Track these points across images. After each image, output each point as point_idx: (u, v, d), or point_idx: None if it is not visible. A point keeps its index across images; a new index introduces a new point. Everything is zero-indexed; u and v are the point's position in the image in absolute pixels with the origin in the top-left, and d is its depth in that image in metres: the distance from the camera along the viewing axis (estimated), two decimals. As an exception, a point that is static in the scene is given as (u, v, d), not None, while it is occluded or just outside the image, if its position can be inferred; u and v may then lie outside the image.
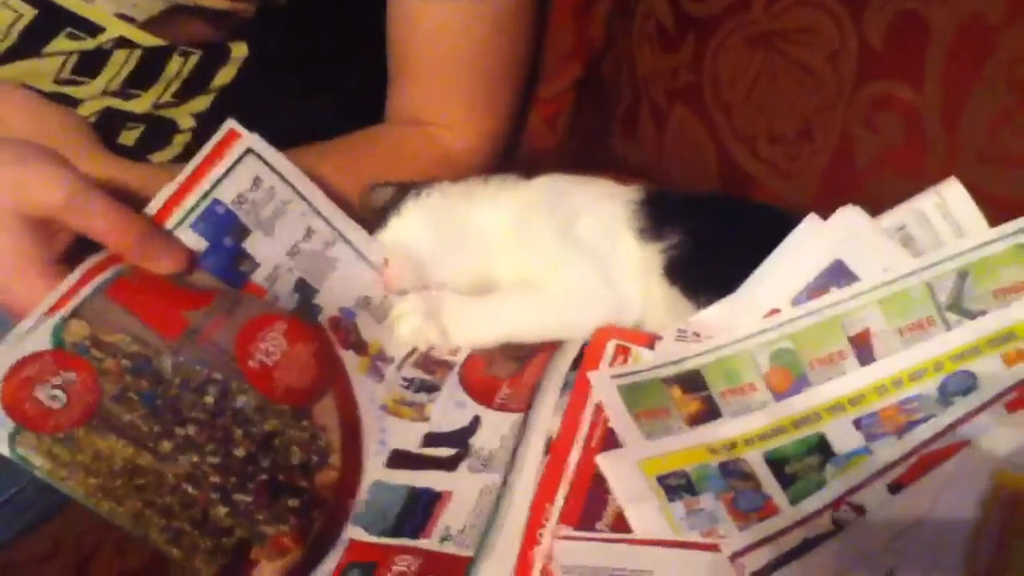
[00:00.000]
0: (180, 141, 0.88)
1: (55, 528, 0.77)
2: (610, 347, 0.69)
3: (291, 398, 0.65)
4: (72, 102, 0.85)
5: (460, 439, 0.70)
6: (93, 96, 0.85)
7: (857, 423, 0.62)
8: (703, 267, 0.72)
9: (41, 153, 0.64)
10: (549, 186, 0.80)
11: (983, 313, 0.62)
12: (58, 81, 0.85)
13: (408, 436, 0.71)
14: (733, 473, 0.63)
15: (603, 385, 0.67)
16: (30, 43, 0.84)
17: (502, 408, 0.71)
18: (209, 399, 0.62)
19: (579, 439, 0.66)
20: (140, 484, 0.59)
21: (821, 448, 0.62)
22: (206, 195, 0.69)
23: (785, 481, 0.62)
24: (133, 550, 0.72)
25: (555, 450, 0.65)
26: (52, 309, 0.61)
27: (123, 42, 0.84)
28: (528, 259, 0.76)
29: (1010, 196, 0.68)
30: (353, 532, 0.67)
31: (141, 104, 0.87)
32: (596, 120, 0.98)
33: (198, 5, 0.85)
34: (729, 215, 0.78)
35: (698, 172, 0.87)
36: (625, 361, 0.69)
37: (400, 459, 0.70)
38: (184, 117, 0.89)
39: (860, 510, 0.59)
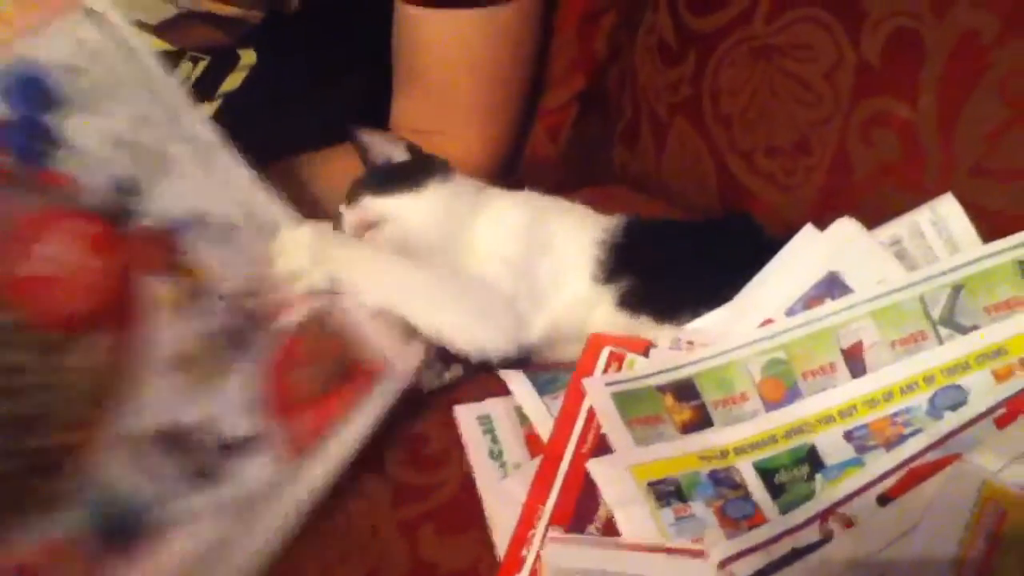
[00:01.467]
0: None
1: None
2: (604, 353, 0.69)
3: (58, 324, 0.50)
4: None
5: (219, 454, 0.56)
6: (102, 99, 0.84)
7: (848, 435, 0.62)
8: (664, 295, 0.73)
9: None
10: (532, 205, 0.79)
11: (975, 328, 0.62)
12: None
13: (174, 410, 0.55)
14: (723, 481, 0.62)
15: (597, 392, 0.66)
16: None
17: (288, 441, 0.58)
18: None
19: (571, 443, 0.65)
20: None
21: (811, 459, 0.62)
22: (23, 55, 0.55)
23: (775, 490, 0.62)
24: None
25: (548, 452, 0.64)
26: None
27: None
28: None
29: (1005, 210, 0.68)
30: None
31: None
32: (597, 132, 0.98)
33: (208, 12, 0.84)
34: (698, 240, 0.78)
35: (697, 184, 0.87)
36: (619, 368, 0.68)
37: (161, 438, 0.54)
38: (191, 121, 0.88)
39: (849, 521, 0.58)
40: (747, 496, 0.62)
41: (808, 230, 0.68)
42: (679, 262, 0.74)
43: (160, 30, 0.85)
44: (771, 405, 0.64)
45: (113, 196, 0.56)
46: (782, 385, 0.64)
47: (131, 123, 0.58)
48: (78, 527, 0.49)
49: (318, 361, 0.62)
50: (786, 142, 0.80)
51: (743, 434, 0.63)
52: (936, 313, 0.62)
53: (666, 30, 0.89)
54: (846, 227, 0.67)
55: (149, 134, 0.59)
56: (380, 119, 0.94)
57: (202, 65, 0.87)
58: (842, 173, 0.77)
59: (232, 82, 0.89)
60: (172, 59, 0.86)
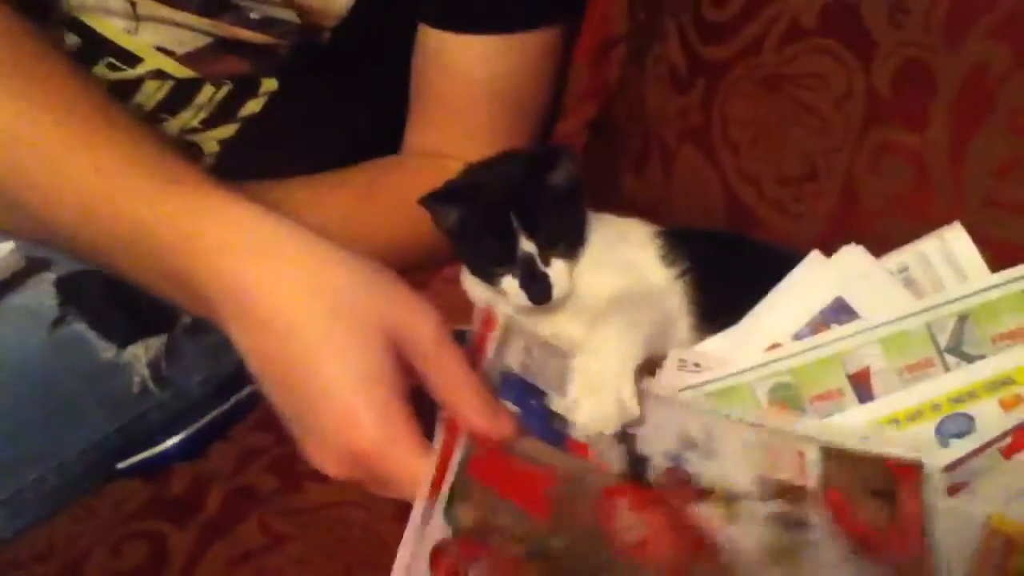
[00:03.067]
0: (203, 165, 0.88)
1: (50, 529, 0.75)
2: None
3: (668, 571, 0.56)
4: None
5: None
6: (123, 119, 0.85)
7: (854, 461, 0.60)
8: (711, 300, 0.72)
9: (401, 280, 0.56)
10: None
11: (982, 357, 0.61)
12: None
13: None
14: None
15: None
16: (70, 70, 0.84)
17: (898, 571, 0.58)
18: None
19: None
20: None
21: (817, 485, 0.60)
22: (496, 366, 0.61)
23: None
24: (128, 552, 0.71)
25: None
26: (432, 492, 0.52)
27: (159, 73, 0.85)
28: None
29: (1014, 241, 0.67)
30: None
31: (169, 128, 0.87)
32: (606, 158, 0.98)
33: (239, 40, 0.85)
34: (736, 251, 0.77)
35: (704, 211, 0.86)
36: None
37: None
38: (210, 143, 0.89)
39: None
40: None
41: (815, 256, 0.67)
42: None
43: (186, 59, 0.85)
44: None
45: (620, 448, 0.61)
46: (789, 410, 0.63)
47: None
48: None
49: (862, 496, 0.61)
50: (795, 170, 0.79)
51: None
52: (943, 341, 0.61)
53: (676, 58, 0.88)
54: (853, 254, 0.67)
55: None
56: (392, 143, 0.94)
57: (224, 90, 0.88)
58: (850, 201, 0.76)
59: (253, 107, 0.89)
60: (194, 84, 0.86)
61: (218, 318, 0.54)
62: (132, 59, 0.84)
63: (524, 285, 0.71)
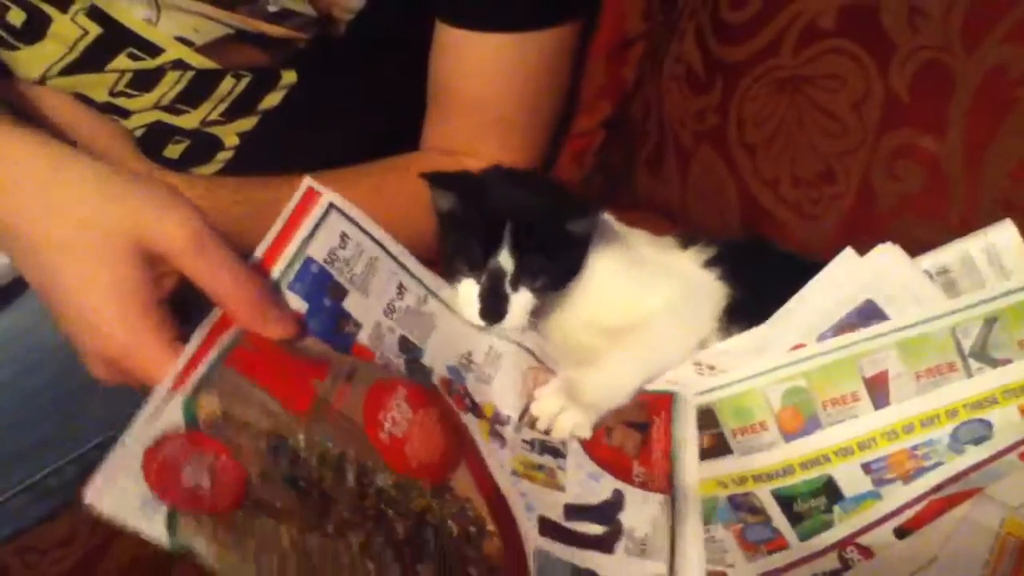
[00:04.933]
0: (222, 158, 0.88)
1: (72, 515, 0.75)
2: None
3: (427, 473, 0.58)
4: (123, 113, 0.84)
5: (607, 515, 0.62)
6: (144, 109, 0.85)
7: (866, 467, 0.60)
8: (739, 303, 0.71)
9: (170, 190, 0.57)
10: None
11: (1008, 362, 0.59)
12: (112, 93, 0.85)
13: (548, 504, 0.63)
14: (742, 506, 0.61)
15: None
16: (93, 59, 0.84)
17: (644, 487, 0.63)
18: (351, 479, 0.54)
19: None
20: (316, 565, 0.51)
21: (829, 490, 0.60)
22: (298, 253, 0.60)
23: (794, 518, 0.60)
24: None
25: None
26: (175, 384, 0.52)
27: (179, 63, 0.84)
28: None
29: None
30: None
31: (189, 120, 0.87)
32: (621, 158, 0.97)
33: (258, 32, 0.84)
34: (763, 257, 0.76)
35: (720, 211, 0.85)
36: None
37: (551, 528, 0.61)
38: (229, 135, 0.88)
39: (867, 552, 0.57)
40: (767, 521, 0.60)
41: (847, 254, 0.65)
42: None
43: (205, 49, 0.84)
44: (789, 436, 0.62)
45: (402, 358, 0.64)
46: (801, 415, 0.62)
47: (394, 293, 0.65)
48: None
49: (614, 430, 0.67)
50: (811, 172, 0.78)
51: (761, 463, 0.61)
52: (967, 345, 0.60)
53: (694, 59, 0.87)
54: (888, 254, 0.64)
55: (408, 299, 0.66)
56: (410, 139, 0.93)
57: (244, 82, 0.87)
58: (866, 203, 0.75)
59: (272, 99, 0.88)
60: (214, 76, 0.85)
61: (6, 252, 0.57)
62: (153, 49, 0.84)
63: (481, 297, 0.67)
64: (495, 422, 0.66)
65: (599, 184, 1.03)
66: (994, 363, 0.59)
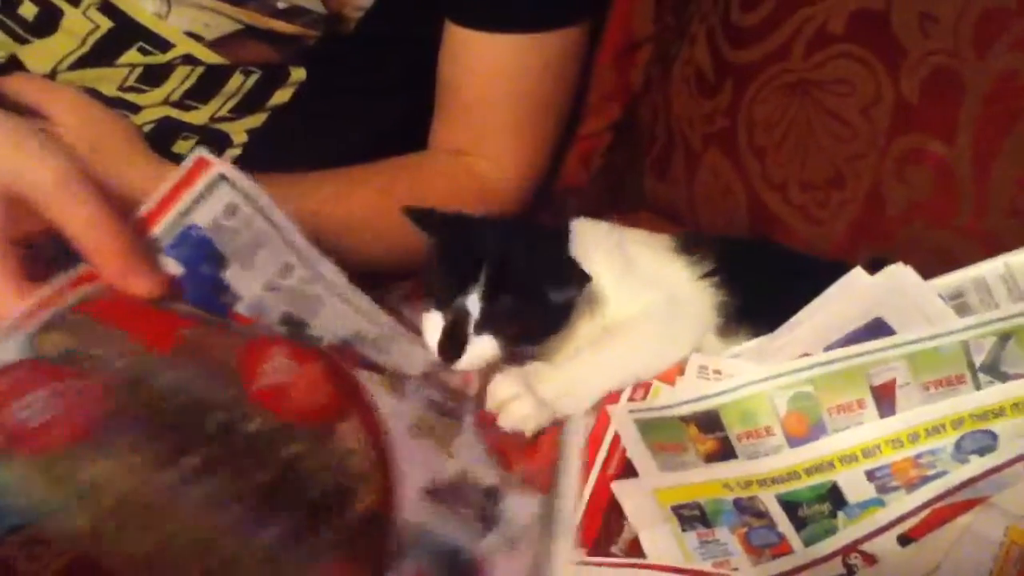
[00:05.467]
0: (230, 155, 0.88)
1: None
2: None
3: (309, 417, 0.54)
4: (133, 108, 0.84)
5: (488, 499, 0.60)
6: (153, 104, 0.85)
7: (870, 474, 0.59)
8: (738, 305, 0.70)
9: (39, 133, 0.56)
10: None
11: (1020, 377, 0.58)
12: (122, 88, 0.85)
13: (438, 467, 0.60)
14: (747, 510, 0.61)
15: (620, 419, 0.65)
16: (103, 54, 0.84)
17: (525, 482, 0.62)
18: (211, 425, 0.50)
19: (597, 464, 0.64)
20: (146, 520, 0.46)
21: (833, 496, 0.59)
22: (181, 218, 0.59)
23: (799, 523, 0.60)
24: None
25: None
26: (19, 323, 0.49)
27: (189, 58, 0.84)
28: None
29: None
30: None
31: (199, 116, 0.86)
32: (628, 160, 0.97)
33: (267, 28, 0.84)
34: (762, 256, 0.76)
35: (727, 214, 0.85)
36: (645, 395, 0.67)
37: (433, 493, 0.59)
38: (239, 132, 0.88)
39: (871, 559, 0.56)
40: (772, 525, 0.60)
41: (857, 273, 0.64)
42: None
43: (214, 45, 0.84)
44: (795, 440, 0.61)
45: (286, 329, 0.62)
46: (806, 420, 0.61)
47: (278, 271, 0.63)
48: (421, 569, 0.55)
49: None
50: (820, 176, 0.78)
51: (766, 468, 0.61)
52: (979, 360, 0.59)
53: (703, 62, 0.87)
54: (900, 274, 0.62)
55: (294, 279, 0.63)
56: (419, 139, 0.93)
57: (253, 78, 0.87)
58: (875, 208, 0.75)
59: (281, 96, 0.88)
60: (224, 72, 0.86)
61: None
62: (163, 44, 0.84)
63: (443, 333, 0.66)
64: (396, 377, 0.63)
65: (606, 187, 1.03)
66: (1005, 378, 0.58)
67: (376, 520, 0.54)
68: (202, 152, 0.60)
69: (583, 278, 0.67)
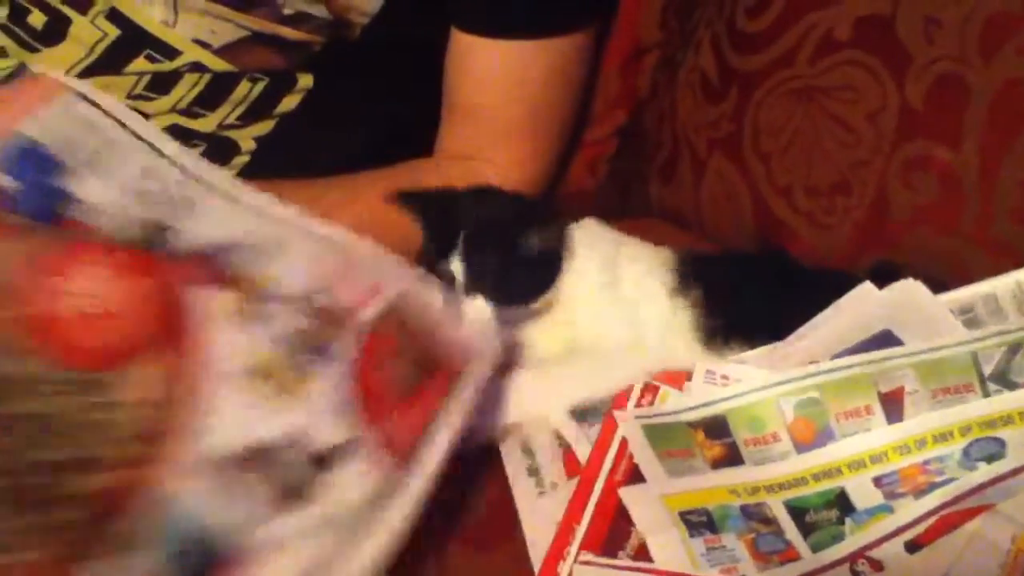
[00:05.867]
0: (238, 162, 0.88)
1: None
2: (637, 386, 0.67)
3: (96, 361, 0.45)
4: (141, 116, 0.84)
5: (312, 467, 0.50)
6: (162, 112, 0.86)
7: (877, 480, 0.59)
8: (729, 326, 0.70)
9: None
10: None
11: (1028, 386, 0.58)
12: (130, 96, 0.85)
13: (252, 425, 0.49)
14: (754, 516, 0.61)
15: (628, 424, 0.64)
16: (112, 61, 0.84)
17: (380, 445, 0.52)
18: None
19: (604, 470, 0.64)
20: None
21: (841, 502, 0.59)
22: (12, 130, 0.54)
23: (806, 529, 0.59)
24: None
25: (584, 476, 0.64)
26: None
27: (197, 66, 0.84)
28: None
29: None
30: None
31: (207, 124, 0.87)
32: (634, 166, 0.97)
33: (274, 34, 0.84)
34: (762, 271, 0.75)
35: (733, 219, 0.85)
36: (652, 401, 0.67)
37: (226, 459, 0.48)
38: (246, 140, 0.88)
39: (878, 565, 0.56)
40: (779, 532, 0.60)
41: (866, 288, 0.64)
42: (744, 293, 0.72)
43: (222, 52, 0.84)
44: (802, 446, 0.61)
45: (139, 234, 0.53)
46: (814, 426, 0.61)
47: (138, 175, 0.55)
48: (156, 567, 0.45)
49: (401, 358, 0.56)
50: (826, 181, 0.78)
51: (773, 474, 0.61)
52: (988, 369, 0.59)
53: (709, 68, 0.87)
54: (910, 290, 0.62)
55: (159, 182, 0.56)
56: (426, 145, 0.93)
57: (260, 85, 0.87)
58: (880, 214, 0.75)
59: (288, 103, 0.88)
60: (231, 79, 0.86)
61: None
62: (171, 52, 0.84)
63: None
64: (261, 299, 0.52)
65: (612, 192, 1.02)
66: (1014, 386, 0.58)
67: (127, 499, 0.45)
68: (40, 69, 0.57)
69: (562, 221, 0.71)
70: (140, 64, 0.84)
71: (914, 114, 0.72)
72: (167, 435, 0.46)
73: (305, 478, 0.49)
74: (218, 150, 0.87)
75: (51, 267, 0.47)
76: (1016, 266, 0.64)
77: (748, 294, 0.71)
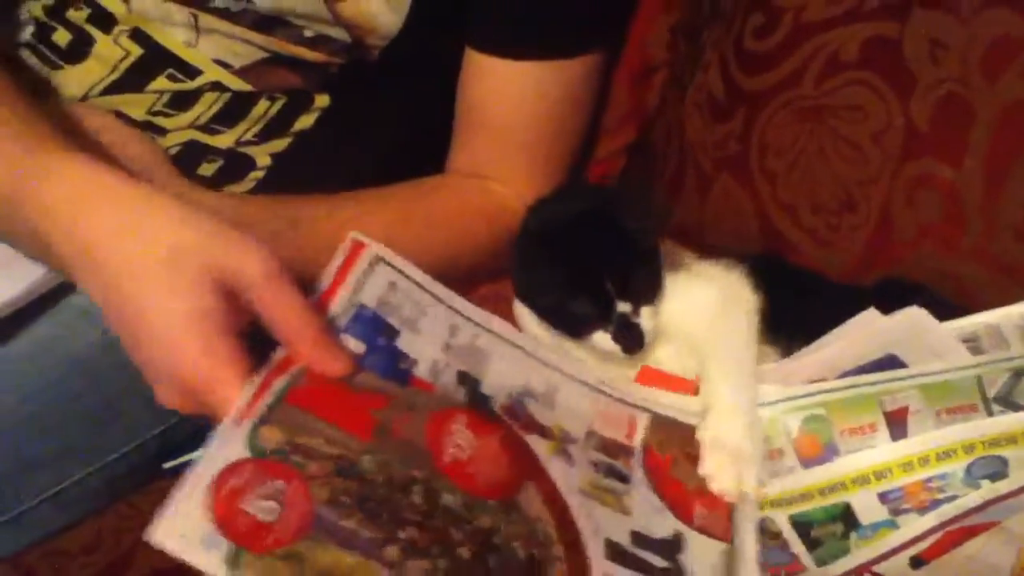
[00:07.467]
0: (254, 177, 0.88)
1: (96, 525, 0.76)
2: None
3: (494, 491, 0.56)
4: (160, 131, 0.85)
5: (669, 552, 0.60)
6: (180, 128, 0.86)
7: (882, 496, 0.59)
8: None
9: (231, 228, 0.58)
10: None
11: (1032, 408, 0.58)
12: (150, 112, 0.85)
13: (615, 527, 0.60)
14: (761, 530, 0.60)
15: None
16: (134, 80, 0.85)
17: (703, 531, 0.61)
18: (417, 498, 0.53)
19: None
20: None
21: (846, 517, 0.59)
22: (352, 297, 0.61)
23: (811, 544, 0.59)
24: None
25: None
26: (240, 416, 0.52)
27: (216, 85, 0.84)
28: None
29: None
30: None
31: (224, 140, 0.87)
32: (640, 182, 0.96)
33: (293, 56, 0.84)
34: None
35: (738, 237, 0.85)
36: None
37: (618, 554, 0.58)
38: (262, 156, 0.88)
39: None
40: (784, 546, 0.60)
41: (871, 315, 0.63)
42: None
43: (242, 72, 0.85)
44: (807, 461, 0.61)
45: (462, 389, 0.63)
46: (819, 441, 0.61)
47: (446, 332, 0.65)
48: None
49: (676, 467, 0.65)
50: (831, 200, 0.77)
51: (779, 488, 0.61)
52: (992, 391, 0.59)
53: (716, 87, 0.87)
54: (916, 317, 0.62)
55: (461, 337, 0.65)
56: (439, 161, 0.93)
57: (278, 104, 0.87)
58: (884, 232, 0.74)
59: (305, 121, 0.89)
60: (250, 98, 0.86)
61: (70, 271, 0.57)
62: (192, 71, 0.84)
63: (617, 339, 0.67)
64: (564, 441, 0.64)
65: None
66: (1017, 408, 0.58)
67: None
68: (356, 235, 0.63)
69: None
70: (161, 83, 0.84)
71: (919, 134, 0.72)
72: (563, 538, 0.57)
73: (671, 560, 0.59)
74: (234, 166, 0.87)
75: (438, 426, 0.57)
76: (1018, 284, 0.64)
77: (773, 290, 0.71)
